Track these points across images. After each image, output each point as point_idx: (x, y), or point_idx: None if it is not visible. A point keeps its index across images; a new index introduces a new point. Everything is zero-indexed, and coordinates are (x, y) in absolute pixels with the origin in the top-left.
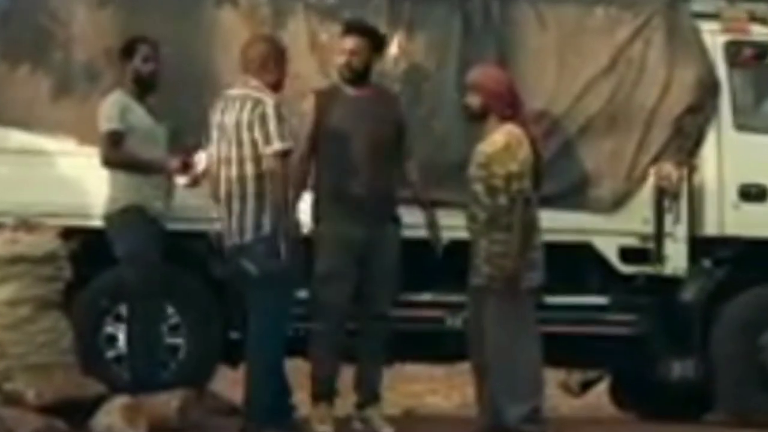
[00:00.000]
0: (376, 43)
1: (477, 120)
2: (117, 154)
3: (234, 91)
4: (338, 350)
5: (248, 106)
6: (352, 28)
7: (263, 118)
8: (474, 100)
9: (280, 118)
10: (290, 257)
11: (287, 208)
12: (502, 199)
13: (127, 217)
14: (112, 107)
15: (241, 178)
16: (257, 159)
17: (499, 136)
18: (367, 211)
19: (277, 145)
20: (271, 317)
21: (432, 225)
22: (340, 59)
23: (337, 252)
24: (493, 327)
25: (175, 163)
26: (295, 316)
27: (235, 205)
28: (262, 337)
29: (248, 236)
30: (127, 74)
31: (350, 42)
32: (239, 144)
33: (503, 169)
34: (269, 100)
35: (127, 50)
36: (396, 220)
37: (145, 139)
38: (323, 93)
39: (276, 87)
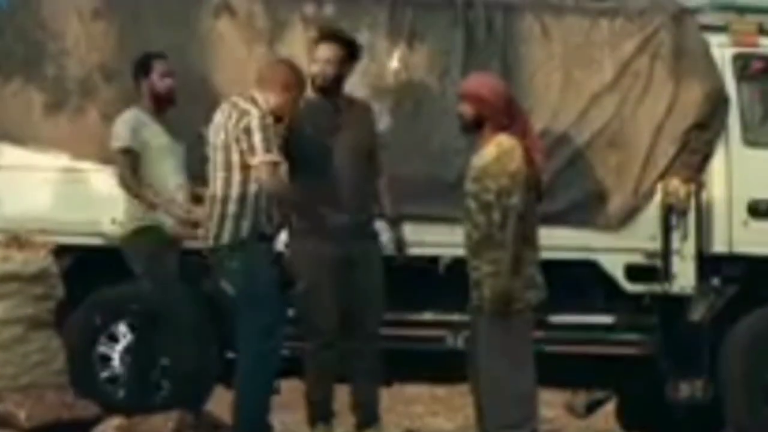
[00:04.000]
0: (352, 51)
1: (471, 131)
2: (132, 182)
3: (231, 98)
4: (331, 370)
5: (234, 116)
6: (326, 35)
7: (247, 131)
8: (467, 110)
9: (265, 130)
10: (272, 274)
11: (282, 221)
12: (496, 215)
13: (144, 236)
14: (124, 125)
15: (227, 181)
16: (245, 167)
17: (491, 147)
18: (343, 225)
19: (260, 157)
20: (255, 336)
21: (399, 243)
22: (313, 68)
23: (315, 268)
24: (485, 351)
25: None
26: (292, 335)
27: (217, 208)
28: (248, 357)
29: (225, 238)
30: (143, 91)
31: (324, 50)
32: (227, 150)
33: (495, 183)
34: (255, 112)
35: (143, 66)
36: (374, 236)
37: (160, 157)
38: None
39: (278, 115)
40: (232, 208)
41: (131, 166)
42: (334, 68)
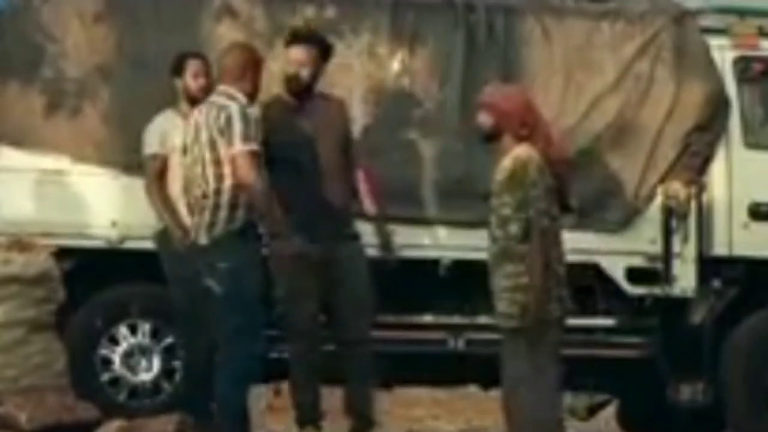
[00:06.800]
0: (324, 51)
1: (490, 141)
2: (154, 192)
3: (211, 98)
4: (316, 372)
5: (214, 113)
6: (298, 36)
7: (229, 122)
8: (485, 119)
9: (245, 121)
10: (259, 276)
11: (269, 211)
12: (513, 229)
13: (167, 236)
14: (152, 132)
15: (218, 176)
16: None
17: (507, 161)
18: (318, 226)
19: (238, 147)
20: (239, 337)
21: (385, 240)
22: (288, 70)
23: (293, 270)
24: (505, 367)
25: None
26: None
27: (210, 200)
28: (233, 358)
29: (219, 228)
30: (178, 92)
31: (298, 52)
32: (213, 146)
33: (512, 197)
34: (234, 105)
35: (176, 67)
36: (356, 237)
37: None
38: (268, 105)
39: (252, 96)
40: (225, 197)
41: (158, 171)
42: (309, 70)
